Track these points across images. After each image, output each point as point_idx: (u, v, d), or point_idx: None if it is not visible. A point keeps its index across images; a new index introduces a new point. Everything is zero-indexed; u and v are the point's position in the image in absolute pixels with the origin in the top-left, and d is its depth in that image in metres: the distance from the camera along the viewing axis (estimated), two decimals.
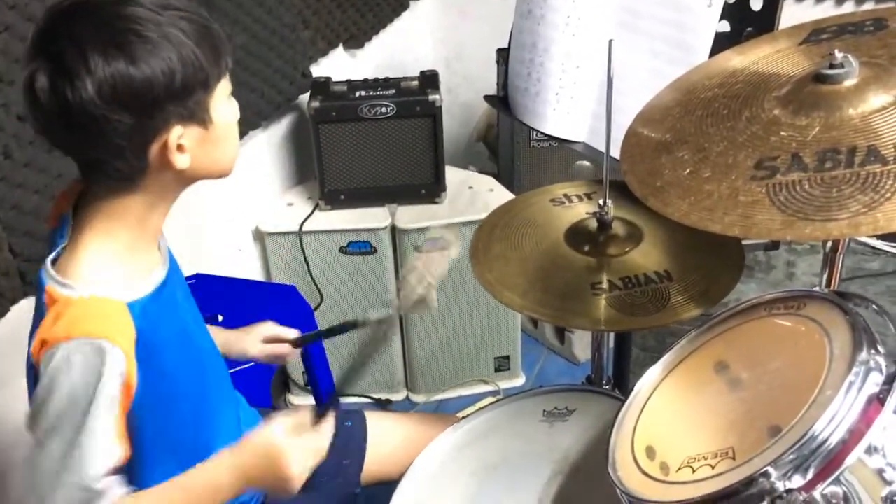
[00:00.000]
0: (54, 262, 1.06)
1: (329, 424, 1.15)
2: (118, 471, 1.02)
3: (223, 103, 1.08)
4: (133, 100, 0.97)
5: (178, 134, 1.02)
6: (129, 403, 1.03)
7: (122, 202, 1.06)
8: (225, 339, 1.41)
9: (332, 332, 1.22)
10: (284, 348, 1.45)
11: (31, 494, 1.01)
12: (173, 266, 1.18)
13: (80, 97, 0.95)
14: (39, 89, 0.96)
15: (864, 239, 2.67)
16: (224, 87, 1.08)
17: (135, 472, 1.07)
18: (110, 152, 1.00)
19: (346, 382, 1.22)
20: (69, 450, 0.98)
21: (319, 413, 1.15)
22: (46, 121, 1.00)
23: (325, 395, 1.81)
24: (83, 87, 0.95)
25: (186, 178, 1.09)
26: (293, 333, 1.45)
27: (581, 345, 2.55)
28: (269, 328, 1.45)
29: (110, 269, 1.05)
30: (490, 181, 2.50)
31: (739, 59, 1.33)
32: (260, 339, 1.44)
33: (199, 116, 1.04)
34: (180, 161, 1.04)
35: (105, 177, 1.05)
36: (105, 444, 1.00)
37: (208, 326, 1.31)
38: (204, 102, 1.04)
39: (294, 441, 1.10)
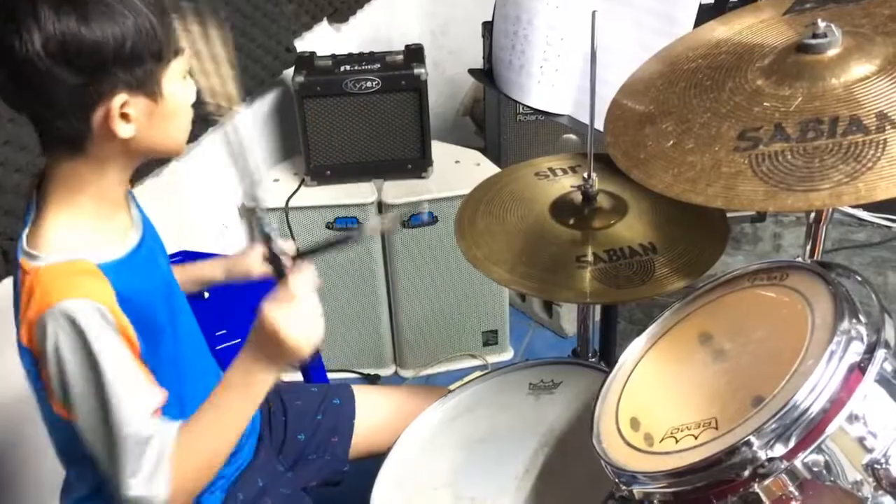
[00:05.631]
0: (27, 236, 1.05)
1: (298, 275, 1.16)
2: (164, 411, 1.05)
3: (178, 80, 1.06)
4: (79, 59, 0.95)
5: (122, 101, 1.00)
6: (137, 351, 1.04)
7: (76, 170, 1.05)
8: (226, 265, 1.43)
9: (332, 245, 1.22)
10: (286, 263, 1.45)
11: (105, 466, 1.03)
12: (149, 231, 1.17)
13: (26, 50, 0.94)
14: None
15: (850, 210, 2.69)
16: (181, 65, 1.06)
17: None
18: (53, 110, 0.99)
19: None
20: (103, 412, 1.00)
21: (277, 268, 1.17)
22: None
23: (313, 371, 1.79)
24: (30, 41, 0.93)
25: (134, 150, 1.07)
26: (291, 247, 1.44)
27: (569, 318, 2.56)
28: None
29: (75, 235, 1.04)
30: (477, 155, 2.48)
31: (723, 30, 1.33)
32: (261, 258, 1.42)
33: (147, 87, 1.02)
34: (123, 130, 1.02)
35: (54, 140, 1.04)
36: (130, 391, 1.01)
37: (209, 260, 1.34)
38: (155, 74, 1.02)
39: (273, 305, 1.10)
